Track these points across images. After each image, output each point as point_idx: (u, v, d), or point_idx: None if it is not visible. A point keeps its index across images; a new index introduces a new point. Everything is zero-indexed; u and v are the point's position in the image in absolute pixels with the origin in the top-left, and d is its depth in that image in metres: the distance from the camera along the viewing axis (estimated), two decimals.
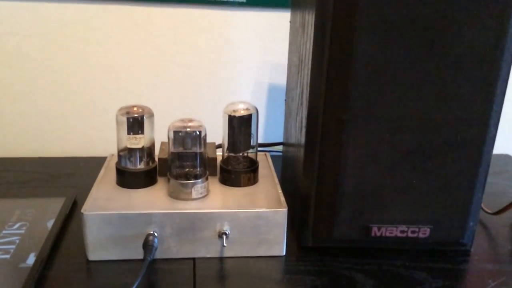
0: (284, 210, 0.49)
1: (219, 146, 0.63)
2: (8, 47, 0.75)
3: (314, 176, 0.49)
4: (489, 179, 0.75)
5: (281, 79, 0.83)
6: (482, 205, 0.59)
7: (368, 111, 0.45)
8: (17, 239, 0.50)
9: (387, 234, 0.49)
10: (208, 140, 0.60)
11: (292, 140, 0.58)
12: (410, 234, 0.49)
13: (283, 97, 0.70)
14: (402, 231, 0.49)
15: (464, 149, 0.46)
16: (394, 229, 0.49)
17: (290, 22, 0.63)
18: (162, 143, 0.59)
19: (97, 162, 0.70)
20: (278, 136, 0.85)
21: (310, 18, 0.47)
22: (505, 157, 0.87)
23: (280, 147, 0.76)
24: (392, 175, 0.47)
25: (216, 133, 0.61)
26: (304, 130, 0.49)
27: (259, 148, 0.79)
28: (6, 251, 0.48)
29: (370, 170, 0.47)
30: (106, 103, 0.80)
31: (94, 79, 0.79)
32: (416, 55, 0.43)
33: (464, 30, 0.43)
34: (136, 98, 0.81)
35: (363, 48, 0.43)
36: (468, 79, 0.44)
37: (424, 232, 0.49)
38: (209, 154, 0.57)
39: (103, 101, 0.80)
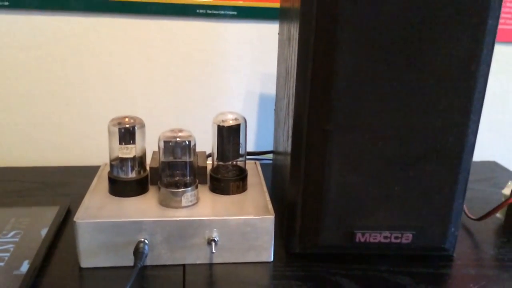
0: (271, 217, 0.51)
1: (210, 155, 0.65)
2: (4, 59, 0.77)
3: (300, 184, 0.50)
4: (475, 186, 0.77)
5: (272, 89, 0.85)
6: (467, 211, 0.61)
7: (350, 121, 0.47)
8: (11, 247, 0.52)
9: (371, 240, 0.51)
10: (200, 149, 0.61)
11: (281, 148, 0.60)
12: (393, 240, 0.51)
13: (273, 107, 0.71)
14: (385, 237, 0.51)
15: (443, 157, 0.48)
16: (378, 235, 0.50)
17: (279, 34, 0.65)
18: (154, 152, 0.61)
19: (91, 172, 0.72)
20: (269, 144, 0.87)
21: (295, 32, 0.48)
22: (492, 164, 0.88)
23: (270, 156, 0.78)
24: (374, 183, 0.49)
25: (208, 143, 0.63)
26: (290, 139, 0.51)
27: (250, 157, 0.81)
28: (0, 259, 0.50)
29: (354, 178, 0.49)
30: (100, 113, 0.82)
31: (89, 90, 0.81)
32: (395, 68, 0.45)
33: (441, 45, 0.45)
34: (130, 109, 0.82)
35: (345, 61, 0.45)
36: (446, 90, 0.46)
37: (407, 237, 0.51)
38: (200, 163, 0.59)
39: (97, 111, 0.82)
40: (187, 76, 0.82)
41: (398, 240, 0.51)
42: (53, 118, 0.82)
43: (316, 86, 0.47)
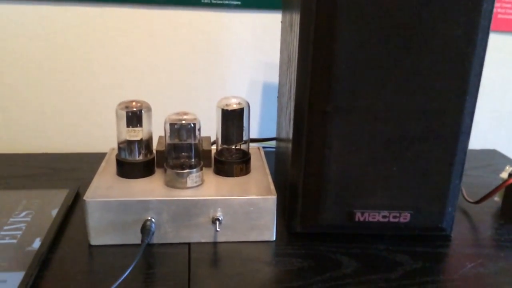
0: (273, 197, 0.53)
1: (215, 142, 0.67)
2: (14, 48, 0.79)
3: (302, 165, 0.52)
4: (475, 172, 0.79)
5: (274, 78, 0.87)
6: (465, 195, 0.63)
7: (350, 103, 0.48)
8: (23, 226, 0.54)
9: (370, 219, 0.52)
10: (204, 135, 0.63)
11: (283, 133, 0.62)
12: (391, 219, 0.52)
13: (276, 95, 0.73)
14: (384, 216, 0.52)
15: (440, 139, 0.49)
16: (377, 214, 0.52)
17: (282, 22, 0.67)
18: (160, 137, 0.63)
19: (98, 158, 0.73)
20: (271, 132, 0.89)
21: (296, 18, 0.50)
22: (492, 152, 0.90)
23: (273, 143, 0.80)
24: (373, 164, 0.50)
25: (212, 129, 0.65)
26: (292, 122, 0.52)
27: (253, 143, 0.82)
28: (13, 236, 0.52)
29: (353, 159, 0.50)
30: (107, 101, 0.84)
31: (96, 79, 0.83)
32: (393, 51, 0.47)
33: (438, 28, 0.46)
34: (136, 97, 0.84)
35: (344, 45, 0.46)
36: (443, 73, 0.47)
37: (405, 217, 0.52)
38: (205, 146, 0.61)
39: (104, 100, 0.84)
40: (191, 66, 0.84)
41: (397, 220, 0.52)
42: (61, 107, 0.84)
43: (316, 69, 0.48)
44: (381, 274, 0.49)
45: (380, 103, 0.48)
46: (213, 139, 0.65)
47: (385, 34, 0.46)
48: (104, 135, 0.86)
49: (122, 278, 0.43)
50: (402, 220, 0.52)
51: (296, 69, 0.50)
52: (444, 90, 0.48)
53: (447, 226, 0.54)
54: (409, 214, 0.52)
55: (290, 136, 0.53)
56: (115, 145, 0.62)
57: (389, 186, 0.51)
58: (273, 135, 0.83)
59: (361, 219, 0.52)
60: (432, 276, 0.49)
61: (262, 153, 0.66)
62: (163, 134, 0.62)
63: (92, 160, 0.77)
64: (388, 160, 0.50)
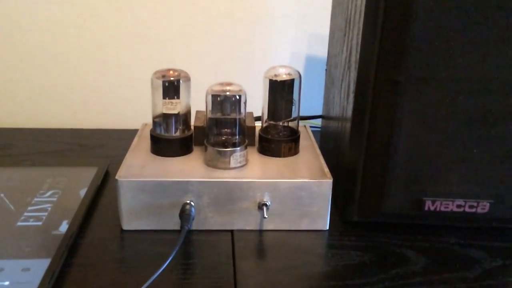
0: (329, 181, 0.46)
1: (258, 118, 0.60)
2: (41, 16, 0.74)
3: (363, 144, 0.45)
4: None
5: (320, 51, 0.79)
6: None
7: (426, 72, 0.41)
8: (49, 207, 0.49)
9: (442, 209, 0.45)
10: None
11: (335, 110, 0.55)
12: (467, 209, 0.45)
13: (320, 69, 0.66)
14: (458, 206, 0.45)
15: None
16: (450, 203, 0.45)
17: None
18: (198, 112, 0.57)
19: (128, 134, 0.68)
20: (315, 110, 0.81)
21: None
22: None
23: (317, 122, 0.73)
24: (450, 144, 0.43)
25: (252, 105, 0.58)
26: (351, 95, 0.46)
27: None
28: (38, 218, 0.46)
29: (426, 138, 0.43)
30: (138, 74, 0.78)
31: (127, 50, 0.77)
32: (485, 12, 0.39)
33: None
34: None
35: (425, 1, 0.39)
36: None
37: (483, 207, 0.45)
38: (248, 123, 0.54)
39: (135, 72, 0.78)
40: (228, 37, 0.77)
41: (473, 210, 0.45)
42: (89, 80, 0.78)
43: (387, 32, 0.41)
44: (456, 273, 0.42)
45: (463, 73, 0.41)
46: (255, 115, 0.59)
47: None
48: (134, 110, 0.80)
49: (161, 270, 0.37)
50: (479, 210, 0.45)
51: (360, 33, 0.43)
52: None
53: None
54: (488, 204, 0.45)
55: (348, 112, 0.46)
56: (147, 121, 0.56)
57: (467, 170, 0.44)
58: (315, 111, 0.76)
59: (432, 208, 0.45)
60: None
61: (310, 131, 0.60)
62: (200, 109, 0.56)
63: (122, 137, 0.72)
64: (467, 141, 0.43)
